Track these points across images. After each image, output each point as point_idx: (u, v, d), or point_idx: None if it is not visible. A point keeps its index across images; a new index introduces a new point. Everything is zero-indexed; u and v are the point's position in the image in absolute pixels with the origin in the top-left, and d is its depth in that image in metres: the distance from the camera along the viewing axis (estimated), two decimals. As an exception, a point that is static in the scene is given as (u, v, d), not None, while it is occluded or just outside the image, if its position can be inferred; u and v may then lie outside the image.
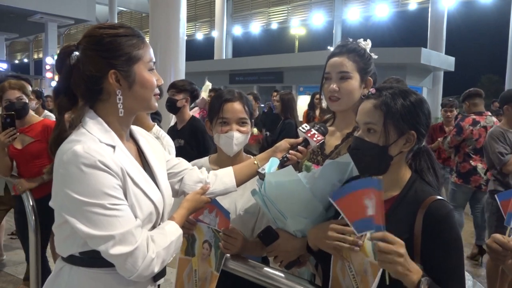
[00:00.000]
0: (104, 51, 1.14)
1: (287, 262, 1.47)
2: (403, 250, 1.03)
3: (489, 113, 4.48)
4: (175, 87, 3.35)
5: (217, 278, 1.46)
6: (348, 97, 1.60)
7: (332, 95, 1.61)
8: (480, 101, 4.45)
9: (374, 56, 1.68)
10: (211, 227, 1.51)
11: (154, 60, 1.23)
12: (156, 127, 2.54)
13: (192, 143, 3.24)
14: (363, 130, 1.26)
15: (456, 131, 4.36)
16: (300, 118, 6.40)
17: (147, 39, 1.24)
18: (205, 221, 1.52)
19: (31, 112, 3.02)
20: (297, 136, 1.55)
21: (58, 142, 1.14)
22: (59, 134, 1.16)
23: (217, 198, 1.50)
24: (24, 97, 2.83)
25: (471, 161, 4.34)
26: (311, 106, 5.87)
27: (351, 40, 1.69)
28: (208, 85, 5.46)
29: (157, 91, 1.22)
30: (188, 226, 1.49)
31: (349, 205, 1.13)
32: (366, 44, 1.67)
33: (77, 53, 1.16)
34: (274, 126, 5.55)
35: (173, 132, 3.37)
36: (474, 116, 4.38)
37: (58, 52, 1.19)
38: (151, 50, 1.22)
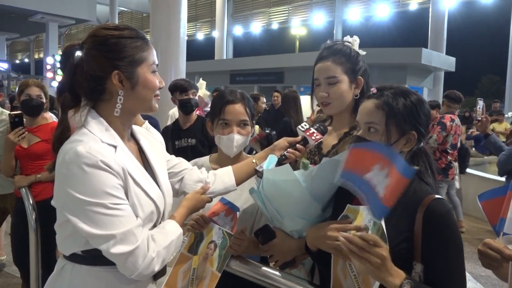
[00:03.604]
0: (109, 51, 1.15)
1: (282, 262, 1.47)
2: (385, 252, 1.04)
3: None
4: (194, 87, 3.30)
5: (217, 278, 1.46)
6: (338, 100, 1.58)
7: (323, 101, 1.60)
8: (457, 106, 5.06)
9: (362, 53, 1.64)
10: (223, 229, 1.51)
11: (157, 62, 1.24)
12: (146, 124, 2.56)
13: (205, 142, 3.19)
14: (364, 130, 1.25)
15: (440, 127, 4.79)
16: (305, 118, 6.35)
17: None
18: (218, 222, 1.52)
19: (43, 114, 3.04)
20: (291, 135, 1.54)
21: (61, 140, 1.15)
22: (62, 132, 1.17)
23: (216, 198, 1.51)
24: (43, 96, 2.93)
25: (448, 157, 4.90)
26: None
27: (339, 40, 1.65)
28: (202, 83, 5.44)
29: (157, 92, 1.23)
30: (201, 223, 1.49)
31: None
32: (354, 41, 1.63)
33: (80, 52, 1.16)
34: (277, 123, 5.53)
35: (178, 132, 3.30)
36: (450, 115, 4.91)
37: (59, 51, 1.19)
38: (155, 53, 1.23)
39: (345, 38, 1.65)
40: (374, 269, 1.03)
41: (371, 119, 1.23)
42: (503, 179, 4.30)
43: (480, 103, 3.52)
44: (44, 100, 2.92)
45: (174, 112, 4.63)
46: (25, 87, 2.88)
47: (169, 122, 4.32)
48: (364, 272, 1.07)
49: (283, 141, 1.56)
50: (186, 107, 3.24)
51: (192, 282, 1.50)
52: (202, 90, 5.24)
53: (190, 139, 3.21)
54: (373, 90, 1.27)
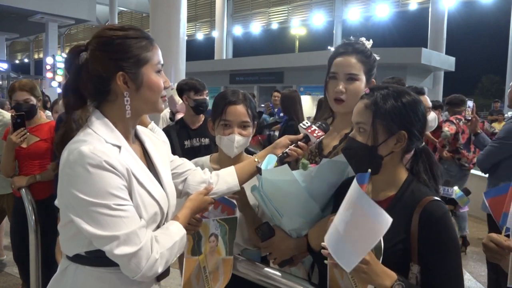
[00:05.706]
0: (113, 52, 1.14)
1: (281, 260, 1.48)
2: (368, 257, 1.03)
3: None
4: (206, 87, 3.35)
5: (231, 262, 1.47)
6: (354, 99, 1.53)
7: (337, 96, 1.56)
8: (461, 109, 4.97)
9: (377, 57, 1.64)
10: (216, 219, 1.51)
11: (162, 62, 1.23)
12: (152, 124, 2.56)
13: None
14: (355, 130, 1.26)
15: (449, 123, 4.91)
16: (304, 117, 6.27)
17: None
18: (210, 217, 1.52)
19: (40, 114, 3.03)
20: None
21: (64, 141, 1.14)
22: (65, 132, 1.16)
23: None
24: (32, 98, 2.82)
25: (462, 158, 4.99)
26: None
27: (359, 39, 1.65)
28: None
29: (164, 93, 1.23)
30: (194, 223, 1.49)
31: None
32: (368, 44, 1.64)
33: (86, 53, 1.16)
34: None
35: (187, 132, 3.26)
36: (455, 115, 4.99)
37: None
38: (160, 53, 1.22)
39: (361, 39, 1.64)
40: (360, 274, 1.04)
41: (360, 119, 1.24)
42: (501, 178, 4.32)
43: (470, 104, 3.53)
44: (33, 102, 2.82)
45: (165, 113, 4.55)
46: (12, 92, 2.79)
47: (161, 124, 4.23)
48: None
49: (285, 139, 1.56)
50: (202, 107, 3.25)
51: (207, 278, 1.50)
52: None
53: (203, 139, 3.19)
54: (366, 90, 1.27)
